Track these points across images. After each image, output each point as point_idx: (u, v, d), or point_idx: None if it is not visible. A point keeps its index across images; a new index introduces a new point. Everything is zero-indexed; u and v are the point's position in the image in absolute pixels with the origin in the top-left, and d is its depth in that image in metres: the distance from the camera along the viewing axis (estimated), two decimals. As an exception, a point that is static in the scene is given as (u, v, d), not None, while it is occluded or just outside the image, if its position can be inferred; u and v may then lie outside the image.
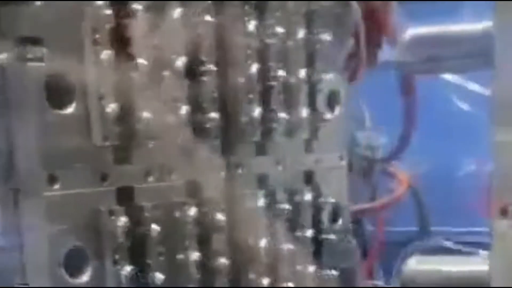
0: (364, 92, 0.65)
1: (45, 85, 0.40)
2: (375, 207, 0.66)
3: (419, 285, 0.58)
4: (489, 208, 0.47)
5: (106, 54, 0.42)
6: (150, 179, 0.45)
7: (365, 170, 0.67)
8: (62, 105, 0.41)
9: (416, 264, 0.60)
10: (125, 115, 0.43)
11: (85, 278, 0.42)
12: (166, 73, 0.44)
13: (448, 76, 0.72)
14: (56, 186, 0.40)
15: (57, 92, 0.40)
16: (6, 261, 0.42)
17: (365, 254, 0.68)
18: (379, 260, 0.70)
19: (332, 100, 0.53)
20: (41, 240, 0.41)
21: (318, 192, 0.52)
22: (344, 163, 0.54)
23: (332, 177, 0.53)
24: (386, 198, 0.65)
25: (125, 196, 0.44)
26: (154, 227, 0.44)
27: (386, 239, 0.69)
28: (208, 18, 0.45)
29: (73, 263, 0.41)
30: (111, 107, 0.42)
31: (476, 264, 0.56)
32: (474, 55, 0.51)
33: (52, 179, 0.40)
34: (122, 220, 0.43)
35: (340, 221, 0.53)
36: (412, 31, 0.59)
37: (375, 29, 0.55)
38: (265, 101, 0.49)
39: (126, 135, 0.43)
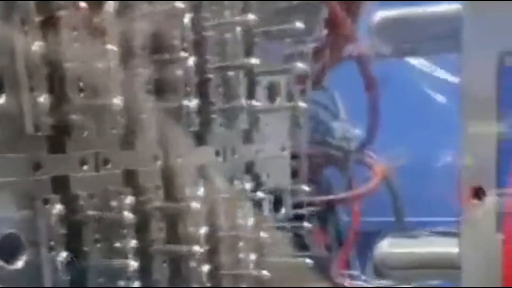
0: (338, 84, 0.66)
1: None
2: (350, 197, 0.66)
3: (391, 267, 0.58)
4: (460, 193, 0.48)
5: (37, 45, 0.43)
6: (85, 168, 0.46)
7: (341, 161, 0.68)
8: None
9: (388, 247, 0.60)
10: (58, 104, 0.44)
11: (20, 264, 0.43)
12: (100, 63, 0.46)
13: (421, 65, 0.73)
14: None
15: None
16: None
17: (340, 243, 0.68)
18: (354, 250, 0.69)
19: (272, 92, 0.54)
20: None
21: (258, 182, 0.52)
22: (286, 153, 0.54)
23: (274, 167, 0.54)
24: (361, 188, 0.66)
25: (60, 185, 0.45)
26: (90, 213, 0.45)
27: (361, 229, 0.69)
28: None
29: (8, 249, 0.42)
30: (43, 98, 0.43)
31: (447, 246, 0.56)
32: (446, 37, 0.50)
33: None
34: (57, 208, 0.44)
35: (283, 211, 0.54)
36: (381, 14, 0.59)
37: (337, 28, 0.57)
38: (203, 93, 0.50)
39: (60, 124, 0.44)
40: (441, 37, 0.52)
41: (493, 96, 0.45)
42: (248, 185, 0.52)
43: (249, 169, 0.52)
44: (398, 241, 0.63)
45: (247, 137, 0.52)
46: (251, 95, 0.52)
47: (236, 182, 0.51)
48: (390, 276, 0.60)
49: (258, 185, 0.52)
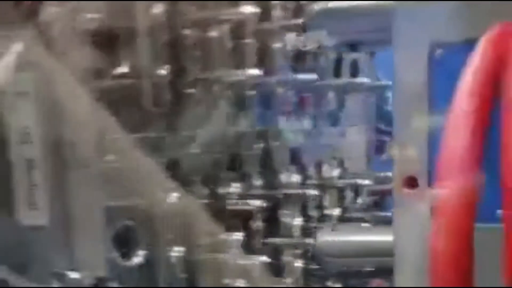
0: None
1: None
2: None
3: (329, 255, 0.59)
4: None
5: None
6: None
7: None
8: None
9: (327, 235, 0.61)
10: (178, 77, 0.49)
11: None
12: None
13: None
14: None
15: None
16: None
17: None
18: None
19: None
20: None
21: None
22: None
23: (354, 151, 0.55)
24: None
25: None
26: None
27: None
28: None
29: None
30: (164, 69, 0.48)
31: (383, 234, 0.57)
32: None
33: None
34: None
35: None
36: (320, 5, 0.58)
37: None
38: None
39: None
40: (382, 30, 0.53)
41: (424, 87, 0.46)
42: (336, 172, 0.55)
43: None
44: (339, 229, 0.62)
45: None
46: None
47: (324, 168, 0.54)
48: (329, 264, 0.61)
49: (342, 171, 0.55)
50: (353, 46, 0.53)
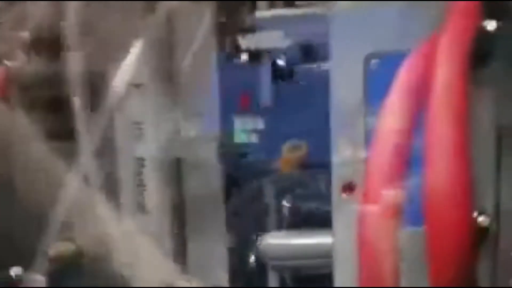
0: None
1: None
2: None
3: (271, 259, 0.61)
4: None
5: None
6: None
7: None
8: None
9: (269, 239, 0.63)
10: None
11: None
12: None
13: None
14: None
15: None
16: None
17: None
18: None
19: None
20: None
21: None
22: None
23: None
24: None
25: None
26: None
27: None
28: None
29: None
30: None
31: (323, 237, 0.59)
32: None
33: None
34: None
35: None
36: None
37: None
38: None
39: None
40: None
41: (360, 96, 0.48)
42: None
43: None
44: (279, 233, 0.63)
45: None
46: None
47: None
48: (273, 267, 0.63)
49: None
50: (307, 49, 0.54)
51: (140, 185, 0.53)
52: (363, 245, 0.40)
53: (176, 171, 0.52)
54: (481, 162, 0.45)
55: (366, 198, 0.40)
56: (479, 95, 0.44)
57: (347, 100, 0.49)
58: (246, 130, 0.58)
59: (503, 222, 0.46)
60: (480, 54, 0.42)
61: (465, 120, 0.39)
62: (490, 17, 0.42)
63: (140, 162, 0.53)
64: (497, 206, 0.46)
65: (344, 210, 0.50)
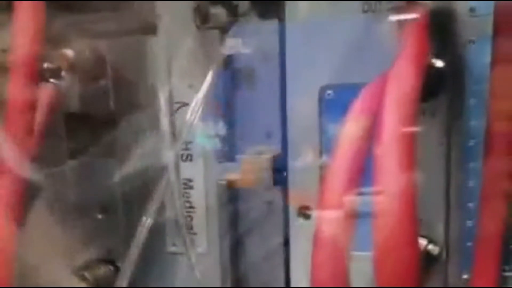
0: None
1: None
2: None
3: None
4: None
5: None
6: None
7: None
8: None
9: None
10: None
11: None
12: None
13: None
14: None
15: None
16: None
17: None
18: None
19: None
20: None
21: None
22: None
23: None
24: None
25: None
26: None
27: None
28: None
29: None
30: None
31: None
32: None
33: None
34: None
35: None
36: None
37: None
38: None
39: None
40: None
41: (316, 124, 0.50)
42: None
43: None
44: None
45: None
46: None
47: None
48: None
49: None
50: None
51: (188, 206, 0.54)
52: (318, 247, 0.41)
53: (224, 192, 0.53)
54: (430, 192, 0.46)
55: (323, 204, 0.41)
56: (428, 125, 0.46)
57: (303, 128, 0.50)
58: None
59: (452, 250, 0.47)
60: (429, 88, 0.44)
61: (413, 152, 0.40)
62: (438, 56, 0.44)
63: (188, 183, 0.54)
64: (446, 235, 0.47)
65: (301, 234, 0.51)
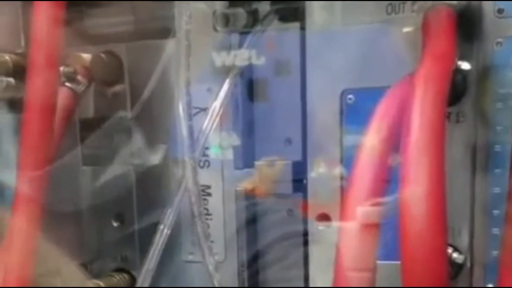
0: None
1: None
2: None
3: None
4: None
5: None
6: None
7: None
8: None
9: None
10: None
11: None
12: None
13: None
14: None
15: None
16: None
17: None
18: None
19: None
20: None
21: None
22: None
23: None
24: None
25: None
26: None
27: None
28: None
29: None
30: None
31: None
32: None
33: None
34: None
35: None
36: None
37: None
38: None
39: None
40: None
41: (337, 130, 0.49)
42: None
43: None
44: None
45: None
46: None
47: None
48: None
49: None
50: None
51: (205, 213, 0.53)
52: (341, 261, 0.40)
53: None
54: (455, 199, 0.45)
55: (345, 215, 0.40)
56: (453, 130, 0.45)
57: (324, 134, 0.49)
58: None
59: (477, 258, 0.46)
60: (454, 92, 0.43)
61: (442, 158, 0.39)
62: (464, 58, 0.43)
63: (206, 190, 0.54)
64: (471, 243, 0.46)
65: (321, 241, 0.50)
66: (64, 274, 0.54)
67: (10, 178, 0.46)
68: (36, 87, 0.43)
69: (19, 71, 0.52)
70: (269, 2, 0.50)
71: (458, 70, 0.43)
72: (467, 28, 0.43)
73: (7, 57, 0.53)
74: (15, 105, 0.53)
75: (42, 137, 0.44)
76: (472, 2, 0.42)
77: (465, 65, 0.43)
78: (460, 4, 0.42)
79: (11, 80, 0.53)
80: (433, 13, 0.42)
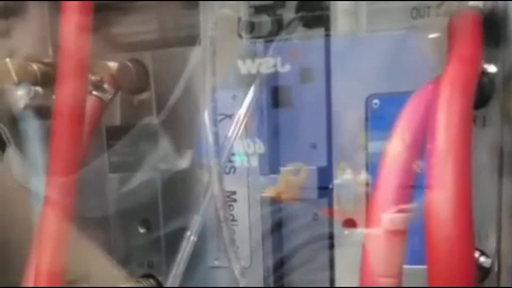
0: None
1: None
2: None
3: None
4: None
5: None
6: None
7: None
8: None
9: None
10: None
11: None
12: None
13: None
14: None
15: None
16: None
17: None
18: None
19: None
20: None
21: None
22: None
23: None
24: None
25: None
26: None
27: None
28: None
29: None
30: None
31: None
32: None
33: None
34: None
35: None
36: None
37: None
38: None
39: None
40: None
41: (362, 135, 0.49)
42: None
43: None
44: None
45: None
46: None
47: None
48: None
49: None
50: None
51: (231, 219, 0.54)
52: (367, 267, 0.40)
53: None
54: (482, 203, 0.45)
55: (370, 222, 0.40)
56: (479, 133, 0.45)
57: (349, 138, 0.49)
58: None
59: (504, 262, 0.46)
60: (480, 95, 0.43)
61: (469, 163, 0.39)
62: (489, 60, 0.43)
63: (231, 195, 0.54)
64: (498, 247, 0.46)
65: (347, 246, 0.50)
66: (93, 279, 0.54)
67: (40, 184, 0.47)
68: (65, 95, 0.44)
69: (46, 80, 0.53)
70: (293, 9, 0.50)
71: (484, 73, 0.43)
72: (493, 30, 0.43)
73: (35, 66, 0.54)
74: (42, 113, 0.54)
75: (72, 144, 0.45)
76: (498, 4, 0.42)
77: (491, 68, 0.43)
78: (485, 7, 0.42)
79: (39, 89, 0.54)
80: (459, 17, 0.42)
